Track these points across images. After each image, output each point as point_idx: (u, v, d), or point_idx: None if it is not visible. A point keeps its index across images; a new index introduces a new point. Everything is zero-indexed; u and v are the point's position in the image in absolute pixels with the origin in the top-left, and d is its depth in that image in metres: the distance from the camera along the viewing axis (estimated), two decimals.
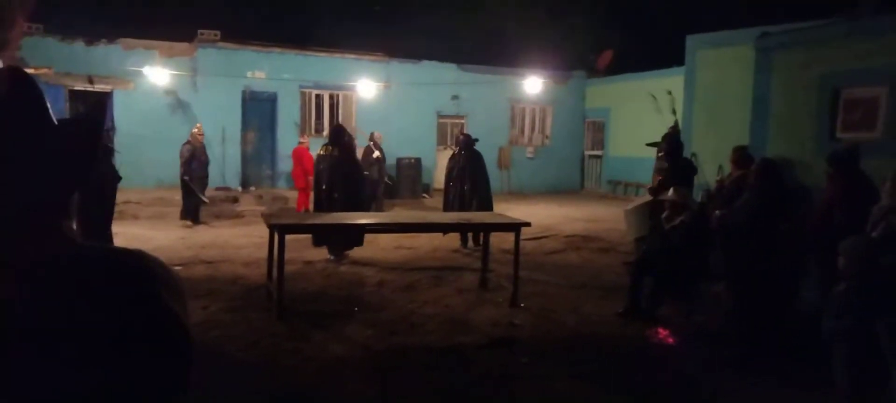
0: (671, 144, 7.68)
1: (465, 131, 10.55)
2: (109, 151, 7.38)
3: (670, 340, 5.59)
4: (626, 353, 5.30)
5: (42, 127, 0.94)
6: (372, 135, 12.73)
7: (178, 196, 12.18)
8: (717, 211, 6.10)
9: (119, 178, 7.32)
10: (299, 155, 12.62)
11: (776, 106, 8.92)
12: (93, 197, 6.88)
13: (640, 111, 16.95)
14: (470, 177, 9.36)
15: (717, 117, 12.68)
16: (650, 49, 16.86)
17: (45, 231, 0.93)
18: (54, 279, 0.88)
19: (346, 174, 8.61)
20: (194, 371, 0.98)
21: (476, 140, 9.83)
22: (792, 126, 8.54)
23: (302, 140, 13.18)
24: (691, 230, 5.99)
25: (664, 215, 6.21)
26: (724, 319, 5.90)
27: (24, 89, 0.94)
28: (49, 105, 0.95)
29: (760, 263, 5.40)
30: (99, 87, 14.20)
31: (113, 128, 7.26)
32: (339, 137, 8.85)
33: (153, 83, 14.50)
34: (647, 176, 12.92)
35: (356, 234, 8.37)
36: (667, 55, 15.50)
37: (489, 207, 9.25)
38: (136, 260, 0.96)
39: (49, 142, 0.93)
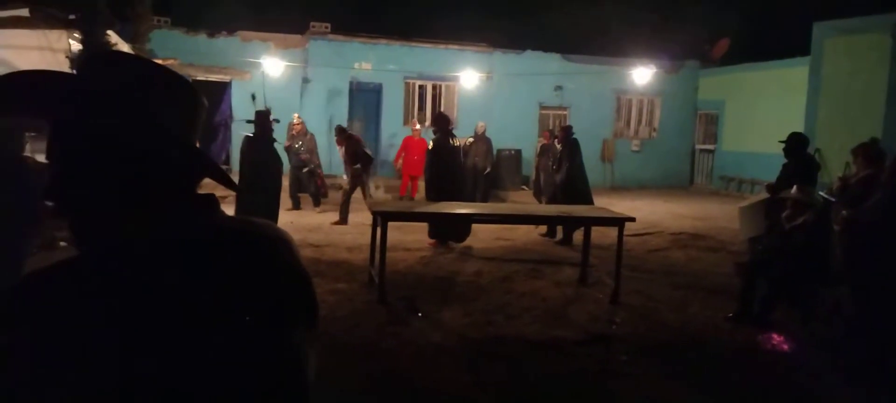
0: (794, 139, 7.18)
1: (564, 123, 10.36)
2: (271, 140, 8.02)
3: (784, 347, 5.24)
4: (735, 358, 5.02)
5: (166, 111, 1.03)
6: (476, 126, 12.78)
7: (287, 182, 12.77)
8: (843, 212, 5.64)
9: (280, 163, 7.99)
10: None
11: None
12: (252, 181, 7.36)
13: (759, 103, 15.99)
14: (567, 171, 9.23)
15: (845, 110, 11.76)
16: (771, 37, 15.83)
17: (180, 204, 1.04)
18: (196, 246, 1.00)
19: (449, 163, 8.72)
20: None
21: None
22: None
23: (415, 128, 13.43)
24: (814, 231, 5.58)
25: (785, 214, 5.80)
26: (845, 327, 5.46)
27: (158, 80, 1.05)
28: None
29: (889, 269, 4.95)
30: (218, 77, 15.09)
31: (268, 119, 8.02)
32: (445, 125, 8.95)
33: (268, 73, 15.23)
34: (763, 172, 12.16)
35: (462, 228, 8.47)
36: (790, 43, 14.50)
37: (589, 200, 9.11)
38: (267, 225, 1.10)
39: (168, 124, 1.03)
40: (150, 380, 0.92)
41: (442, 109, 16.81)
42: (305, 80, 15.64)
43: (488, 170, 11.48)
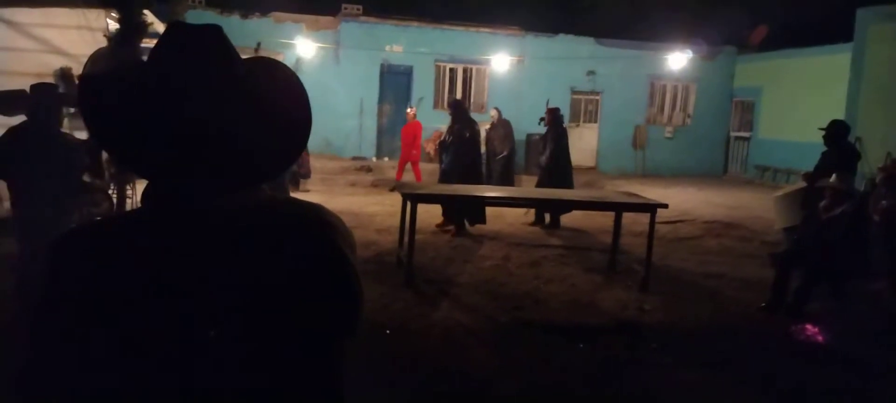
0: (834, 127, 6.98)
1: (550, 105, 9.94)
2: None
3: (819, 338, 5.13)
4: (767, 348, 4.94)
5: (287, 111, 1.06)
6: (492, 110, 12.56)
7: (319, 163, 12.90)
8: (883, 202, 5.49)
9: None
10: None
11: None
12: None
13: (798, 91, 15.58)
14: (552, 153, 9.16)
15: (888, 99, 11.42)
16: (811, 22, 15.36)
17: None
18: (252, 222, 1.00)
19: (464, 149, 8.60)
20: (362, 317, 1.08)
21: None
22: None
23: (409, 112, 13.01)
24: (852, 221, 5.43)
25: (823, 204, 5.66)
26: (887, 320, 5.33)
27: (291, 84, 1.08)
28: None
29: None
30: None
31: None
32: (462, 113, 8.83)
33: (300, 55, 15.31)
34: (800, 161, 11.89)
35: (479, 212, 8.41)
36: (831, 29, 14.07)
37: (569, 184, 9.15)
38: (318, 210, 1.09)
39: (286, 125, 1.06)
40: (183, 340, 0.94)
41: (473, 94, 16.74)
42: (336, 52, 15.61)
43: (505, 154, 11.22)
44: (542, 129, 9.79)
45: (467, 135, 8.58)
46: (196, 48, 0.98)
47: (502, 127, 11.52)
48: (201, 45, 0.99)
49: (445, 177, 8.58)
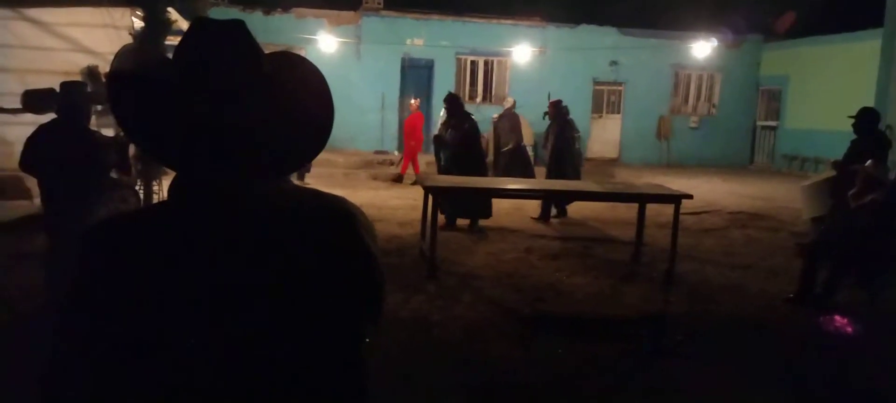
0: (864, 115, 6.83)
1: (552, 98, 9.74)
2: None
3: (848, 330, 5.04)
4: (794, 340, 4.86)
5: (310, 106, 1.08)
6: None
7: (341, 158, 12.97)
8: None
9: None
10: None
11: None
12: None
13: (826, 78, 15.27)
14: (556, 146, 9.08)
15: None
16: (840, 8, 15.02)
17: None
18: (276, 213, 1.02)
19: (468, 146, 8.37)
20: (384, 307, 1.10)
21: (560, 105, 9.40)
22: None
23: (412, 104, 13.00)
24: (882, 210, 5.31)
25: (853, 191, 5.53)
26: None
27: (314, 79, 1.10)
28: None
29: None
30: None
31: None
32: (458, 108, 8.58)
33: (322, 50, 15.39)
34: (828, 150, 11.65)
35: (485, 205, 8.24)
36: (861, 14, 13.74)
37: (573, 176, 9.07)
38: (340, 201, 1.10)
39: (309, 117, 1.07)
40: (209, 328, 0.95)
41: (495, 86, 16.69)
42: (358, 47, 15.67)
43: (510, 146, 11.08)
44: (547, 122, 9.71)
45: (466, 126, 8.39)
46: (221, 43, 1.00)
47: (509, 119, 11.34)
48: (226, 40, 1.00)
49: (445, 172, 8.37)
